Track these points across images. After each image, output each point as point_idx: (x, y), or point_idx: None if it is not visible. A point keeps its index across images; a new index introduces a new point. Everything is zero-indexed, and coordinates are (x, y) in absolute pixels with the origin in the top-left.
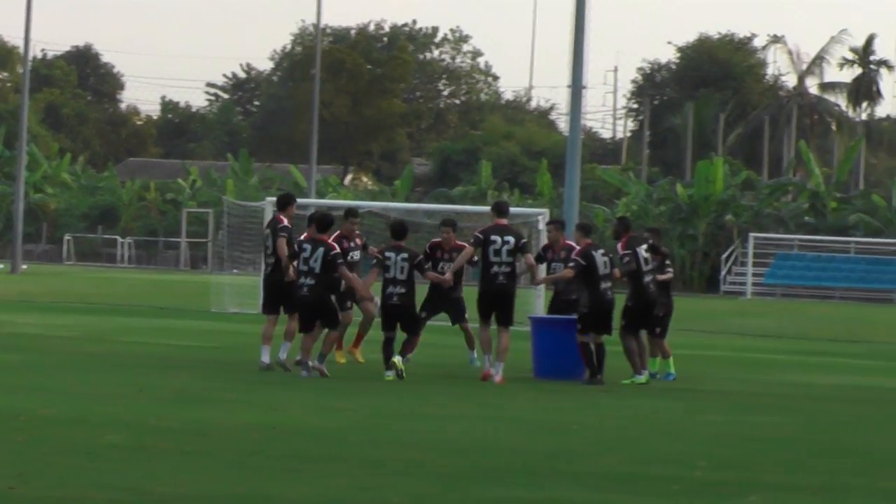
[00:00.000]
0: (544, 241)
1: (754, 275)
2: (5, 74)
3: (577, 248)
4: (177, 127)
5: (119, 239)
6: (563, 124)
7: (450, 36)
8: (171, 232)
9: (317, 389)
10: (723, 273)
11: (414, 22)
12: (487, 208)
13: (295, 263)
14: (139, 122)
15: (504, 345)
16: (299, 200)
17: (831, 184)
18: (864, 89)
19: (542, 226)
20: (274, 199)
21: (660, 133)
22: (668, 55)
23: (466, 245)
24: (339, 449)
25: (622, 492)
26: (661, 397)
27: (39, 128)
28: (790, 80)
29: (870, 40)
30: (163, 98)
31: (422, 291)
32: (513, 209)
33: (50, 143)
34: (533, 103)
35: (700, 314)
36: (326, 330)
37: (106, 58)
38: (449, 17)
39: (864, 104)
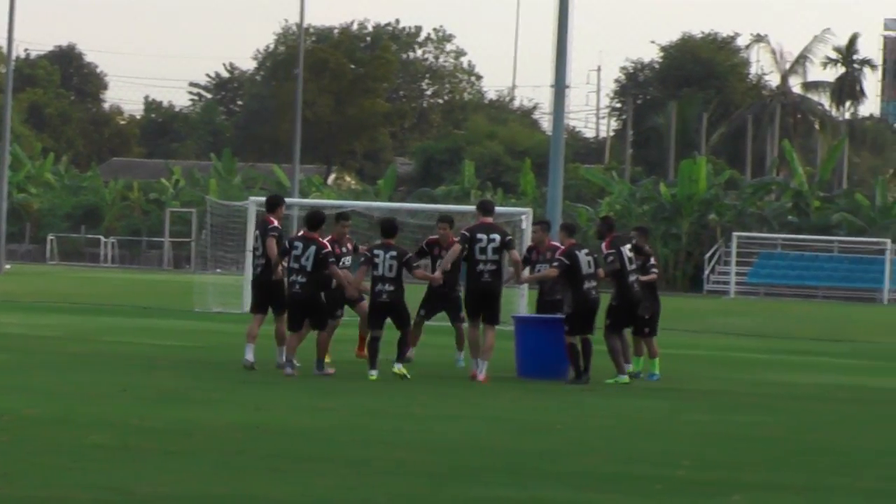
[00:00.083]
0: (528, 240)
1: (737, 274)
2: None
3: (562, 248)
4: (160, 127)
5: (102, 239)
6: (546, 124)
7: (433, 35)
8: (154, 232)
9: (302, 389)
10: (706, 272)
11: (397, 21)
12: (471, 207)
13: (285, 263)
14: (122, 122)
15: (489, 343)
16: None
17: (814, 183)
18: (848, 88)
19: (525, 225)
20: (257, 198)
21: (643, 132)
22: (651, 54)
23: None
24: (324, 449)
25: (605, 491)
26: (644, 397)
27: (23, 128)
28: (773, 80)
29: (853, 40)
30: (146, 98)
31: (416, 290)
32: (497, 208)
33: (33, 143)
34: (516, 103)
35: (683, 313)
36: (315, 333)
37: (89, 57)
38: (432, 16)
39: (848, 103)
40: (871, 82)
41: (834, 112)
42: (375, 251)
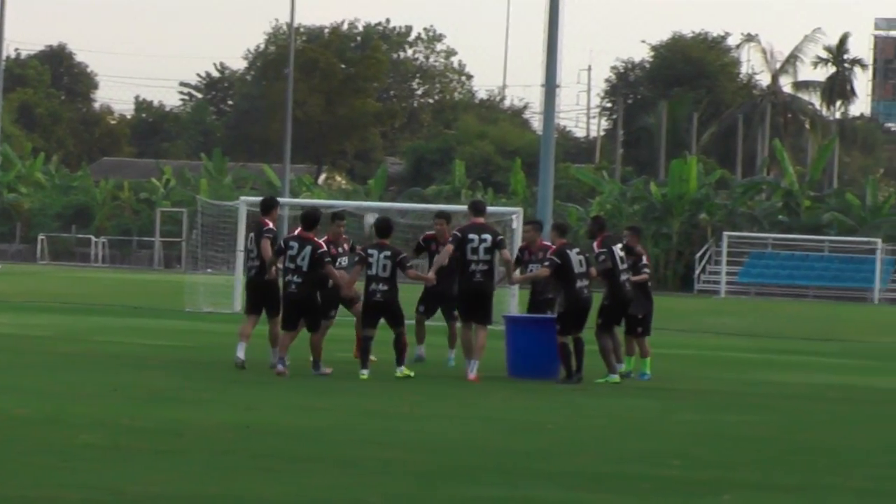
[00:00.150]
0: (518, 239)
1: (728, 273)
2: None
3: (553, 247)
4: (150, 126)
5: (93, 238)
6: (536, 123)
7: (423, 35)
8: (144, 231)
9: (293, 389)
10: (697, 272)
11: (387, 21)
12: (461, 207)
13: (280, 264)
14: (113, 122)
15: (480, 343)
16: None
17: (805, 182)
18: (838, 88)
19: (516, 224)
20: (248, 198)
21: (633, 132)
22: (642, 54)
23: None
24: (315, 448)
25: (596, 490)
26: (635, 396)
27: (13, 127)
28: (764, 79)
29: (843, 39)
30: (136, 97)
31: (410, 290)
32: (488, 208)
33: (23, 143)
34: (506, 102)
35: (674, 313)
36: (309, 335)
37: (79, 57)
38: (422, 16)
39: (838, 103)
40: (862, 82)
41: (824, 111)
42: (370, 251)
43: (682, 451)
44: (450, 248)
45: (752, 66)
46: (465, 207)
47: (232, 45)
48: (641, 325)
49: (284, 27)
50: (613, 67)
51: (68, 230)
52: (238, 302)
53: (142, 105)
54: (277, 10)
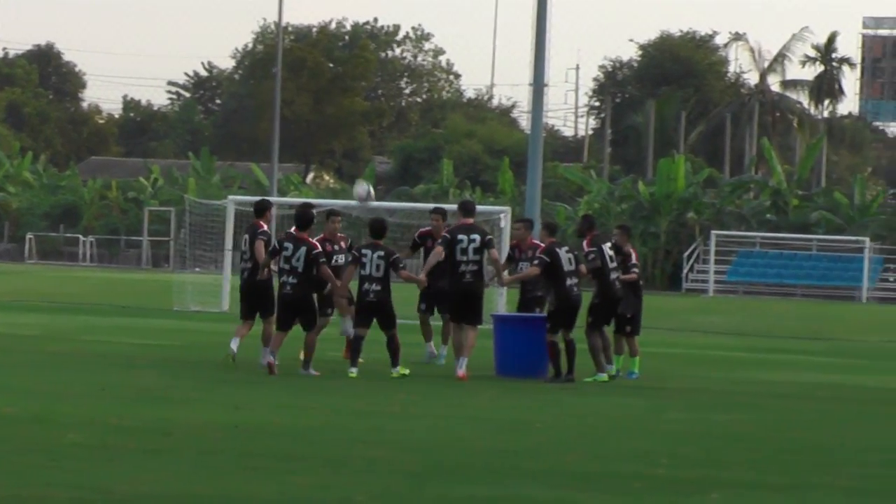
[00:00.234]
0: (507, 238)
1: (716, 272)
2: None
3: (542, 246)
4: (138, 125)
5: (81, 238)
6: (524, 122)
7: (411, 34)
8: (132, 230)
9: (281, 388)
10: (685, 271)
11: (375, 20)
12: (449, 206)
13: (274, 266)
14: (101, 121)
15: (470, 343)
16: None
17: (793, 181)
18: (826, 87)
19: (504, 224)
20: (236, 197)
21: (621, 131)
22: (630, 53)
23: None
24: (303, 447)
25: (584, 489)
26: (623, 395)
27: (1, 127)
28: (752, 78)
29: (832, 38)
30: (124, 97)
31: (403, 290)
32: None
33: (11, 142)
34: (494, 101)
35: (662, 312)
36: (304, 334)
37: (67, 56)
38: (410, 15)
39: (826, 102)
40: (850, 80)
41: (812, 110)
42: (363, 250)
43: (670, 450)
44: (439, 249)
45: (740, 64)
46: (453, 207)
47: (220, 45)
48: (630, 323)
49: (272, 26)
50: (601, 66)
51: (56, 229)
52: (226, 301)
53: (130, 104)
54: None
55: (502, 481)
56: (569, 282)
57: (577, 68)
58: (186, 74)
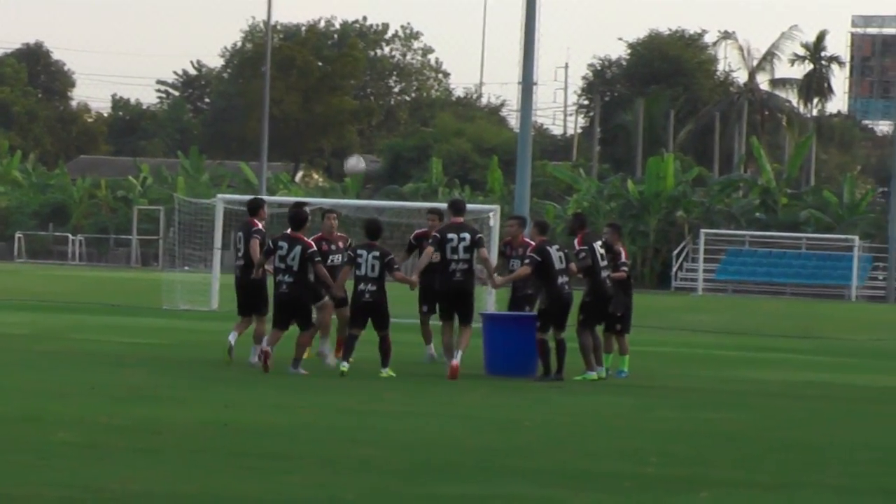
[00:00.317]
0: (496, 237)
1: (705, 271)
2: None
3: (532, 244)
4: (127, 124)
5: (70, 236)
6: (513, 121)
7: (400, 33)
8: (122, 229)
9: (271, 387)
10: (674, 269)
11: (364, 19)
12: (438, 205)
13: (269, 266)
14: (90, 120)
15: (465, 338)
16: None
17: (782, 180)
18: (815, 85)
19: (493, 222)
20: (225, 196)
21: (610, 129)
22: (619, 51)
23: None
24: (293, 446)
25: (573, 488)
26: (612, 394)
27: None
28: (741, 77)
29: (821, 36)
30: (113, 95)
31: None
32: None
33: (0, 142)
34: (483, 100)
35: (652, 310)
36: (298, 333)
37: (56, 55)
38: (399, 13)
39: (815, 100)
40: (839, 79)
41: (801, 109)
42: (358, 251)
43: (659, 449)
44: (430, 250)
45: (730, 63)
46: (441, 205)
47: (209, 44)
48: (620, 322)
49: (261, 25)
50: (590, 65)
51: (45, 228)
52: (215, 300)
53: (119, 103)
54: (254, 8)
55: (492, 480)
56: (560, 280)
57: (567, 67)
58: (175, 73)
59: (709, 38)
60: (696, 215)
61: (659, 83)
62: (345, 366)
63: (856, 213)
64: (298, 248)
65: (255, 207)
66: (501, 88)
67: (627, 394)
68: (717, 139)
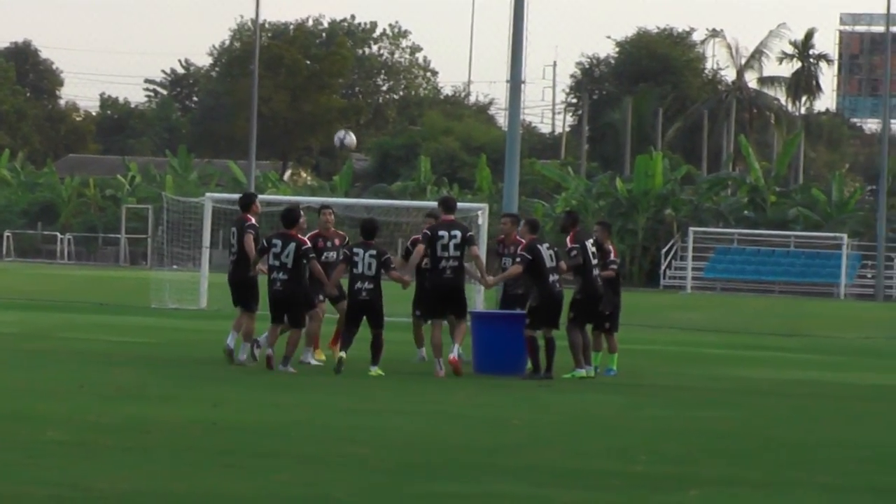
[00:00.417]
0: (484, 235)
1: (694, 269)
2: None
3: (523, 243)
4: (116, 123)
5: (59, 235)
6: (501, 119)
7: (388, 31)
8: (110, 228)
9: (259, 385)
10: (663, 267)
11: (352, 17)
12: (426, 203)
13: (262, 266)
14: (78, 119)
15: (461, 331)
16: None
17: (770, 178)
18: (804, 83)
19: (481, 220)
20: (214, 195)
21: (599, 128)
22: (607, 50)
23: None
24: (281, 445)
25: (563, 486)
26: (601, 392)
27: None
28: (729, 75)
29: (809, 34)
30: (102, 94)
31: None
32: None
33: None
34: (472, 98)
35: (640, 308)
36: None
37: (45, 54)
38: (387, 12)
39: (804, 98)
40: (827, 77)
41: (790, 107)
42: (355, 249)
43: (648, 447)
44: (421, 248)
45: (718, 61)
46: (433, 203)
47: (197, 42)
48: (609, 320)
49: (249, 23)
50: (578, 63)
51: (34, 227)
52: (204, 298)
53: (107, 102)
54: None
55: (481, 478)
56: (551, 278)
57: (555, 65)
58: (164, 72)
59: (697, 37)
60: (685, 213)
61: (647, 81)
62: (343, 354)
63: (844, 211)
64: (292, 246)
65: (247, 203)
66: (489, 87)
67: (616, 392)
68: (706, 137)
